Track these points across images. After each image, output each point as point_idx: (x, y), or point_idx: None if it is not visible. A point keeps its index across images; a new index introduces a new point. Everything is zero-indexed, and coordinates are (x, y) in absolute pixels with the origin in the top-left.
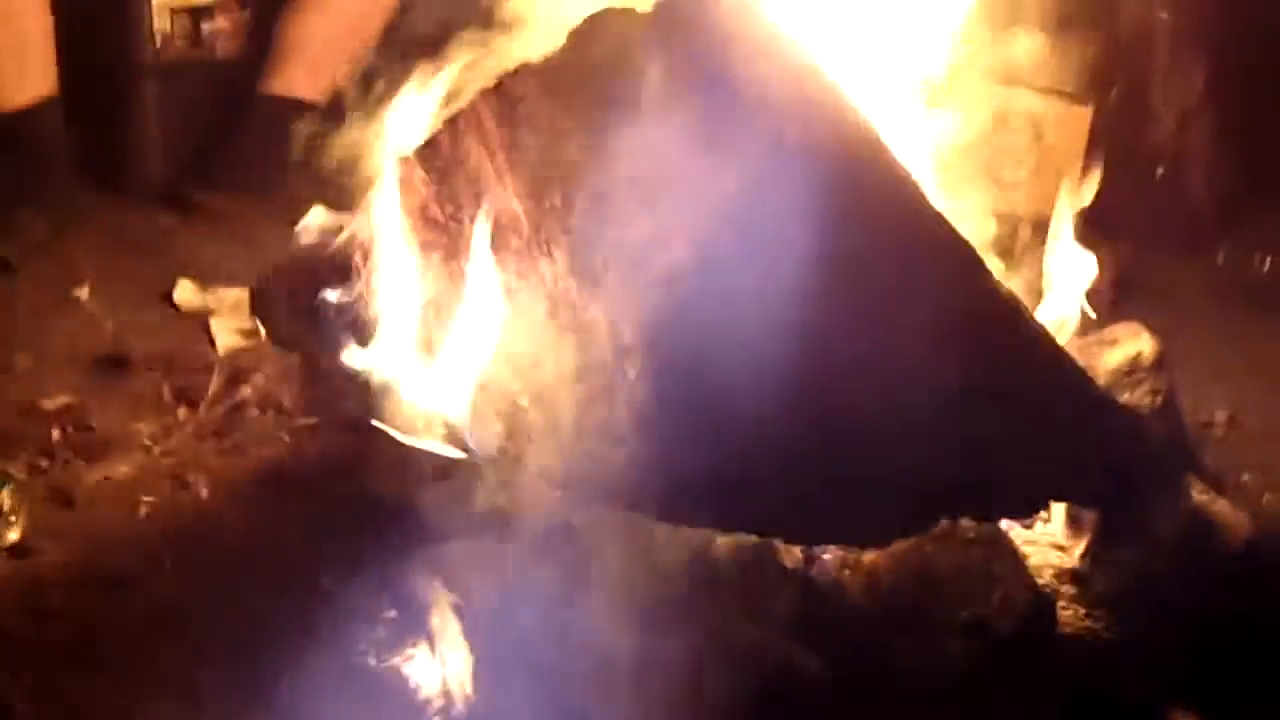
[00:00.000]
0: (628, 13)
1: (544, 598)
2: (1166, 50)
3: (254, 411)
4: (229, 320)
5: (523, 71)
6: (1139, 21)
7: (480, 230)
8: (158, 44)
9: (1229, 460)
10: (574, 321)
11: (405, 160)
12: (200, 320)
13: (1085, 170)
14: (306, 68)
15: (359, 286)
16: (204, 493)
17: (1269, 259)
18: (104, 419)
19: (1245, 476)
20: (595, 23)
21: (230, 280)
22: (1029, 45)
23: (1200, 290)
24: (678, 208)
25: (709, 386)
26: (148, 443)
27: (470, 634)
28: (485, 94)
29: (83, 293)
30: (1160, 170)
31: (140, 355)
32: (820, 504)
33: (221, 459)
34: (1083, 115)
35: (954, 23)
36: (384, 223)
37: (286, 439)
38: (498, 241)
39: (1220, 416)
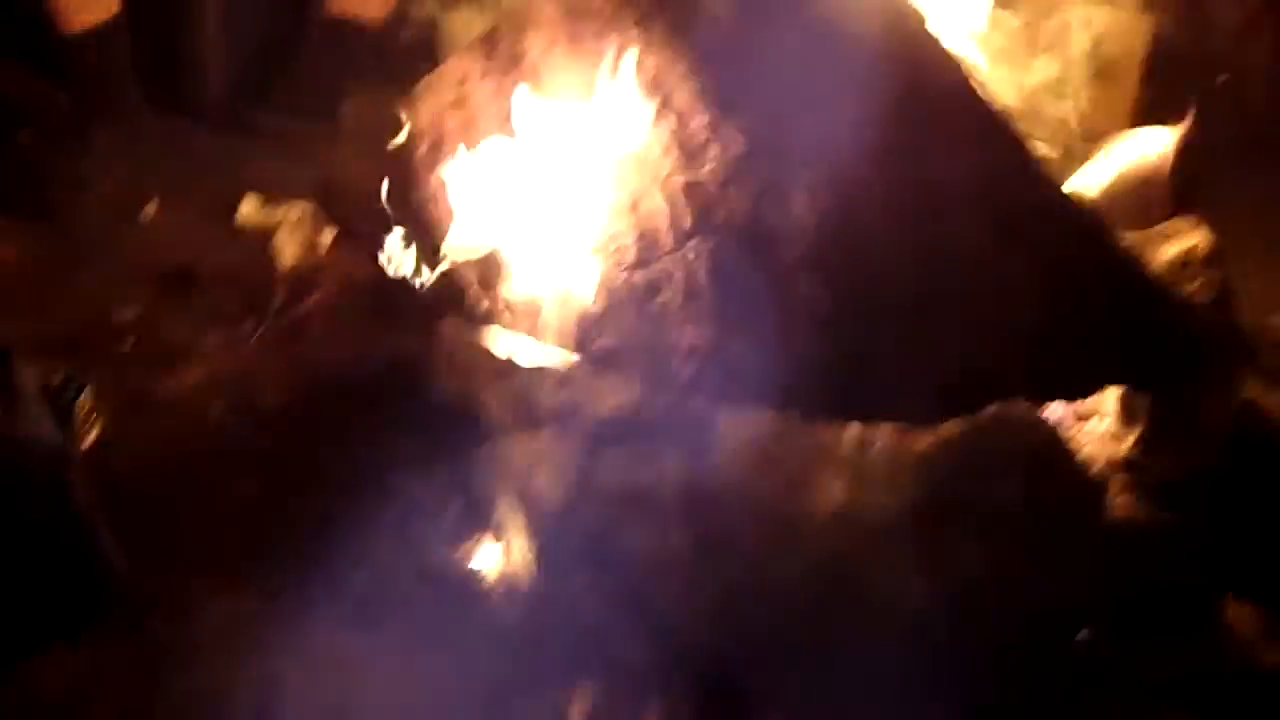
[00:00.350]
0: None
1: (606, 490)
2: None
3: (319, 322)
4: (293, 235)
5: None
6: None
7: (539, 122)
8: None
9: None
10: (635, 209)
11: (464, 54)
12: (265, 236)
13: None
14: None
15: (425, 182)
16: (272, 398)
17: None
18: (174, 330)
19: None
20: None
21: (293, 197)
22: None
23: (1260, 201)
24: (736, 98)
25: (763, 270)
26: (217, 352)
27: (533, 525)
28: None
29: (149, 209)
30: (1220, 80)
31: (207, 269)
32: (870, 383)
33: (288, 366)
34: (1142, 25)
35: None
36: (447, 117)
37: (351, 347)
38: (557, 133)
39: (1278, 318)
